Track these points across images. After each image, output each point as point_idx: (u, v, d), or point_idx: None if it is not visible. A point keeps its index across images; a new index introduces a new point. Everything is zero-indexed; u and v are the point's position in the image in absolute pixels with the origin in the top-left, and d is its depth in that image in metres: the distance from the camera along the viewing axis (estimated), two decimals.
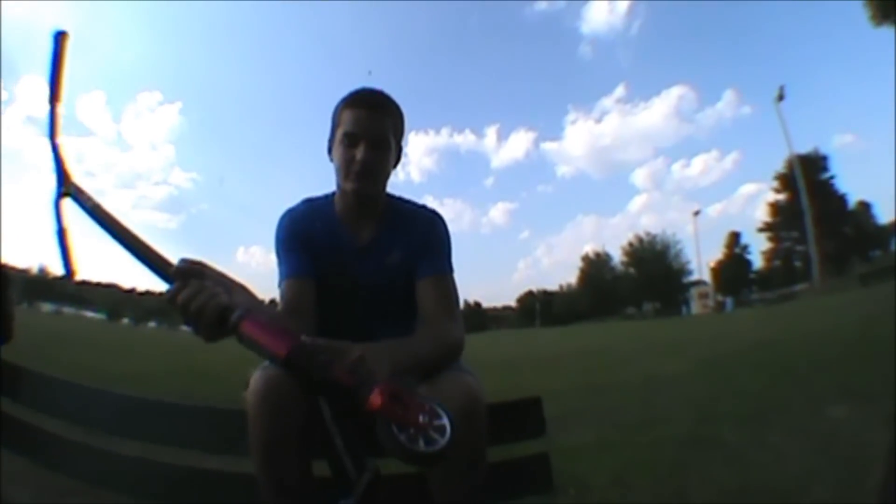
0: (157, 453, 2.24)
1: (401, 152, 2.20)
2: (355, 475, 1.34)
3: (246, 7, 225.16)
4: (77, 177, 1.63)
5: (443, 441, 1.20)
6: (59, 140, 1.65)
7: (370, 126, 2.04)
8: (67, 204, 1.62)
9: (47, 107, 1.66)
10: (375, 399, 1.21)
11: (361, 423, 1.27)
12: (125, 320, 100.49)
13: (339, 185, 2.14)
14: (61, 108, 1.68)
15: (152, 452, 2.26)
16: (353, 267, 1.91)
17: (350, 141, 2.03)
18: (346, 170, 2.04)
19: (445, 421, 1.23)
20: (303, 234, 2.07)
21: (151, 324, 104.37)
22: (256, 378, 1.68)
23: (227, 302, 1.40)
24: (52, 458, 2.52)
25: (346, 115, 2.05)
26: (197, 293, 1.40)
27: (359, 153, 2.01)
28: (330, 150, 2.16)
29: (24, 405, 2.59)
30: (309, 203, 2.24)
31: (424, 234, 2.18)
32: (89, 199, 1.60)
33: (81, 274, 1.63)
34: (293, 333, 1.40)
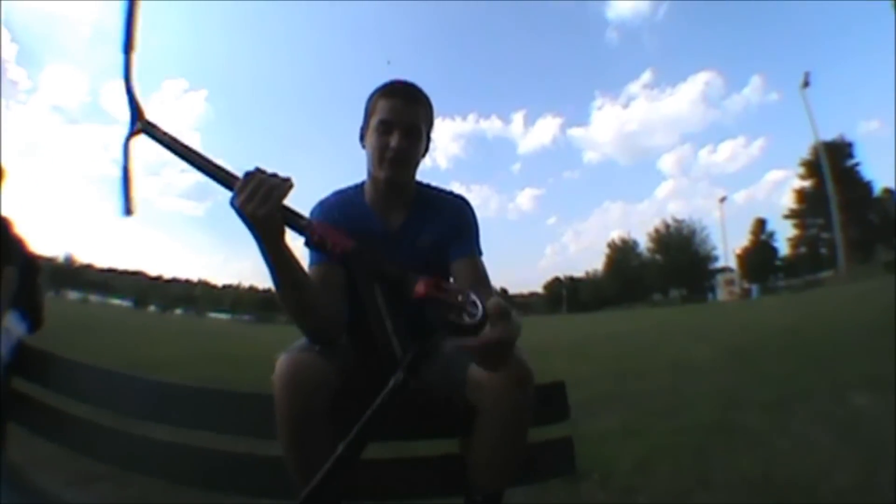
0: (187, 437, 2.25)
1: (429, 142, 2.24)
2: (401, 354, 1.43)
3: None
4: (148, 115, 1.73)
5: (478, 314, 1.35)
6: (134, 83, 1.76)
7: (404, 115, 2.08)
8: (136, 143, 1.74)
9: (122, 55, 1.75)
10: (421, 287, 1.39)
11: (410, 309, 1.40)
12: (152, 307, 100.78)
13: (369, 172, 2.18)
14: (135, 55, 1.77)
15: (182, 437, 2.27)
16: (384, 252, 1.95)
17: (385, 128, 2.07)
18: (379, 156, 2.09)
19: (475, 299, 1.38)
20: (332, 221, 2.07)
21: (178, 311, 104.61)
22: (282, 361, 1.75)
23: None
24: (82, 444, 2.53)
25: (382, 104, 2.09)
26: (261, 182, 1.51)
27: (393, 140, 2.05)
28: (362, 138, 2.20)
29: (54, 391, 2.61)
30: (339, 194, 2.27)
31: (454, 219, 2.23)
32: (164, 133, 1.71)
33: (137, 213, 1.72)
34: (353, 238, 1.55)
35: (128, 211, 1.70)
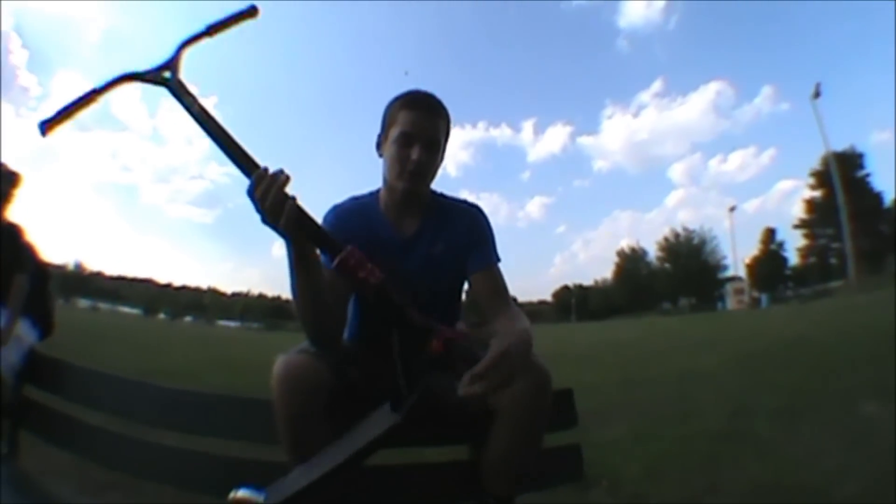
0: (198, 444, 2.27)
1: (444, 153, 2.24)
2: (406, 394, 1.47)
3: (282, 2, 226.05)
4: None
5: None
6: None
7: (426, 128, 2.09)
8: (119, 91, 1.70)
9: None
10: (437, 344, 1.44)
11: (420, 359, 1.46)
12: (161, 315, 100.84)
13: (385, 181, 2.19)
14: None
15: (193, 443, 2.28)
16: (398, 259, 1.95)
17: (406, 140, 2.07)
18: (399, 168, 2.09)
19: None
20: (345, 227, 2.08)
21: (188, 318, 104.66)
22: (279, 363, 1.79)
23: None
24: (94, 451, 2.53)
25: (403, 116, 2.09)
26: (275, 181, 1.56)
27: (414, 153, 2.06)
28: (379, 146, 2.21)
29: (65, 399, 2.63)
30: (354, 200, 2.28)
31: (469, 227, 2.23)
32: (189, 95, 1.69)
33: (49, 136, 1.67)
34: (380, 273, 1.58)
35: (44, 129, 1.63)
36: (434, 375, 1.45)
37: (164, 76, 1.68)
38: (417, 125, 2.07)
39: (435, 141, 2.11)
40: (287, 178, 1.58)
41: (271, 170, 1.58)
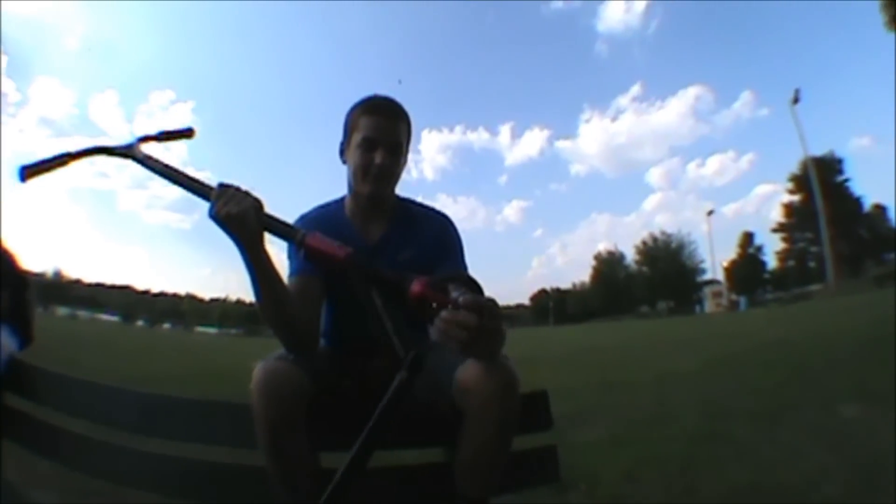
0: (181, 450, 2.28)
1: (407, 156, 2.27)
2: (403, 353, 1.46)
3: (258, 6, 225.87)
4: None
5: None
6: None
7: (388, 132, 2.13)
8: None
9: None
10: (416, 286, 1.48)
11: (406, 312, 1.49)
12: (140, 322, 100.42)
13: (350, 187, 2.23)
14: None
15: (176, 450, 2.29)
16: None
17: (368, 146, 2.11)
18: (363, 173, 2.13)
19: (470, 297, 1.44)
20: None
21: (166, 325, 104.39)
22: (258, 370, 1.81)
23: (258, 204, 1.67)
24: (75, 460, 2.53)
25: (364, 121, 2.13)
26: (234, 195, 1.64)
27: (377, 157, 2.10)
28: (342, 153, 2.25)
29: (46, 407, 2.62)
30: (321, 208, 2.33)
31: (438, 235, 2.27)
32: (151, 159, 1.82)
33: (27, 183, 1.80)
34: (347, 247, 1.63)
35: (24, 174, 1.77)
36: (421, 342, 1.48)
37: (132, 152, 1.84)
38: (379, 130, 2.12)
39: (397, 144, 2.16)
40: (239, 188, 1.67)
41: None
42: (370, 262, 1.63)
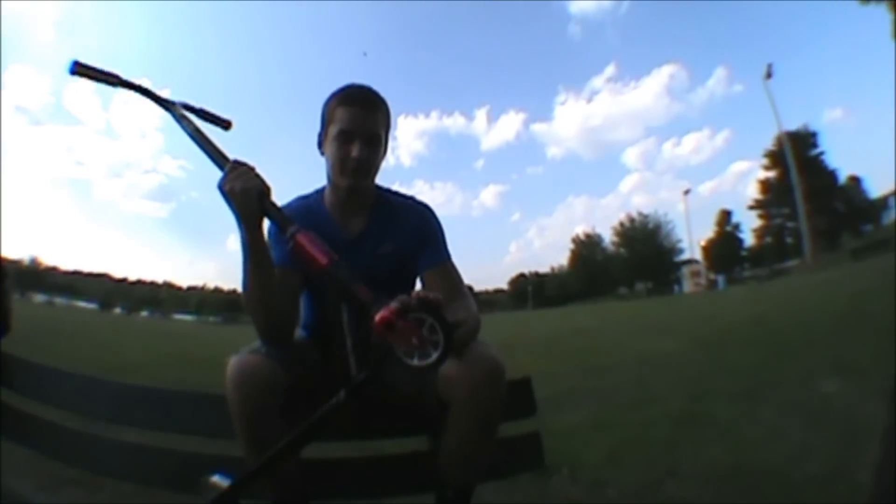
0: (157, 440, 2.29)
1: (387, 145, 2.24)
2: (355, 372, 1.50)
3: None
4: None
5: (434, 355, 1.43)
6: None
7: (365, 123, 2.09)
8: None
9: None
10: (383, 313, 1.42)
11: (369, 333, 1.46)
12: (117, 310, 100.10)
13: (329, 180, 2.20)
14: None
15: (152, 439, 2.31)
16: (344, 258, 1.95)
17: (345, 138, 2.08)
18: (341, 166, 2.10)
19: (441, 337, 1.43)
20: None
21: (144, 313, 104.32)
22: (232, 364, 1.82)
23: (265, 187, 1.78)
24: (52, 448, 2.54)
25: (341, 113, 2.09)
26: (244, 173, 1.77)
27: (354, 150, 2.07)
28: (320, 145, 2.21)
29: (23, 395, 2.61)
30: (300, 200, 2.29)
31: (418, 226, 2.25)
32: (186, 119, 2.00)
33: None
34: (334, 253, 1.67)
35: (74, 68, 1.94)
36: (388, 356, 1.44)
37: (172, 107, 2.04)
38: (356, 121, 2.09)
39: (375, 136, 2.13)
40: (253, 168, 1.79)
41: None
42: (350, 276, 1.63)
